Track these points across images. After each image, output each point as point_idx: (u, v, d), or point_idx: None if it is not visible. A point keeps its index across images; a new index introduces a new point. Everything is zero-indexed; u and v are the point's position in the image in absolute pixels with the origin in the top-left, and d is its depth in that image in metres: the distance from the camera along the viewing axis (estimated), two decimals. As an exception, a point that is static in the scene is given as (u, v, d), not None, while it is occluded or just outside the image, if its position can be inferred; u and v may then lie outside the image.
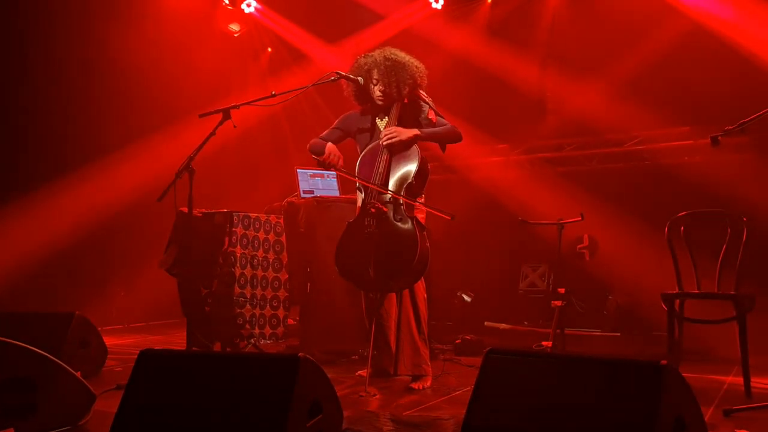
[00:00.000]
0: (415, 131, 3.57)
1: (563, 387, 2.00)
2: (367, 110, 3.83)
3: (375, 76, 3.66)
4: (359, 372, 3.84)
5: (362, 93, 3.78)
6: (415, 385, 3.56)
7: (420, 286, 3.68)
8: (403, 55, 3.69)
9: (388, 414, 2.89)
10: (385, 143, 3.53)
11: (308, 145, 3.81)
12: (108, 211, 5.75)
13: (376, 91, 3.67)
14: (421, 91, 3.71)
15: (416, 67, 3.69)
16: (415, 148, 3.54)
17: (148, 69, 6.35)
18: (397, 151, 3.56)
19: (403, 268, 3.38)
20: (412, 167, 3.51)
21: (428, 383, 3.62)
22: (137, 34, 6.28)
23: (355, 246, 3.49)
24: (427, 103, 3.71)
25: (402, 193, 3.49)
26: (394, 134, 3.53)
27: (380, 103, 3.71)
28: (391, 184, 3.53)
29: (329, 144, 3.68)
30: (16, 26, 5.51)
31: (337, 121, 3.89)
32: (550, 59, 6.65)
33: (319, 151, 3.69)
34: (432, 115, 3.71)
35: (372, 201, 3.48)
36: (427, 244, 3.47)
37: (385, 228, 3.43)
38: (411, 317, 3.67)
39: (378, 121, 3.76)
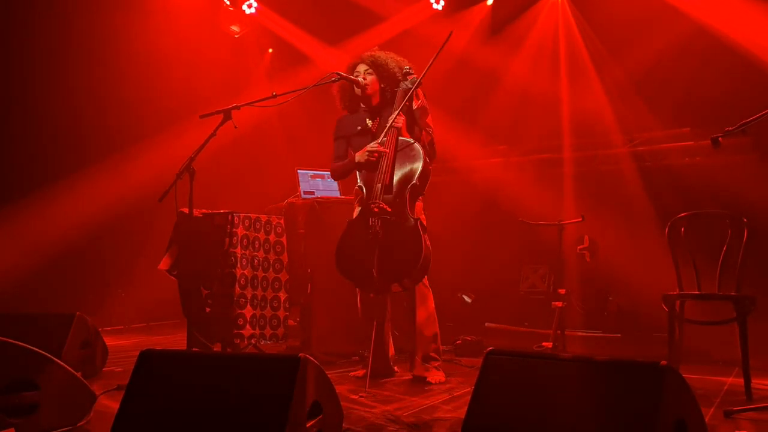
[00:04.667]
0: (408, 137, 3.62)
1: (563, 388, 2.00)
2: (357, 114, 3.86)
3: (360, 69, 3.76)
4: (353, 373, 3.85)
5: (354, 98, 3.83)
6: (431, 378, 3.61)
7: (423, 285, 3.68)
8: (381, 51, 3.84)
9: (388, 414, 2.89)
10: (395, 125, 3.54)
11: (333, 174, 3.92)
12: (108, 212, 5.75)
13: (361, 79, 3.73)
14: (421, 92, 3.71)
15: (399, 59, 3.79)
16: (418, 148, 3.53)
17: (149, 70, 6.36)
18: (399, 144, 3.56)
19: (408, 269, 3.37)
20: (416, 167, 3.50)
21: (443, 377, 3.66)
22: (137, 37, 6.29)
23: (358, 246, 3.47)
24: (425, 108, 3.73)
25: (406, 194, 3.48)
26: (400, 122, 3.56)
27: (365, 90, 3.73)
28: (395, 184, 3.51)
29: (351, 153, 3.74)
30: (15, 29, 5.52)
31: (334, 133, 3.94)
32: (551, 60, 6.66)
33: (348, 169, 3.75)
34: (430, 121, 3.73)
35: (375, 200, 3.46)
36: (429, 246, 3.46)
37: (390, 229, 3.41)
38: (422, 317, 3.67)
39: (369, 122, 3.79)
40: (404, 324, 3.83)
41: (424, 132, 3.66)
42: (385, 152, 3.54)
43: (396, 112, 3.56)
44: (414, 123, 3.68)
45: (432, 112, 3.81)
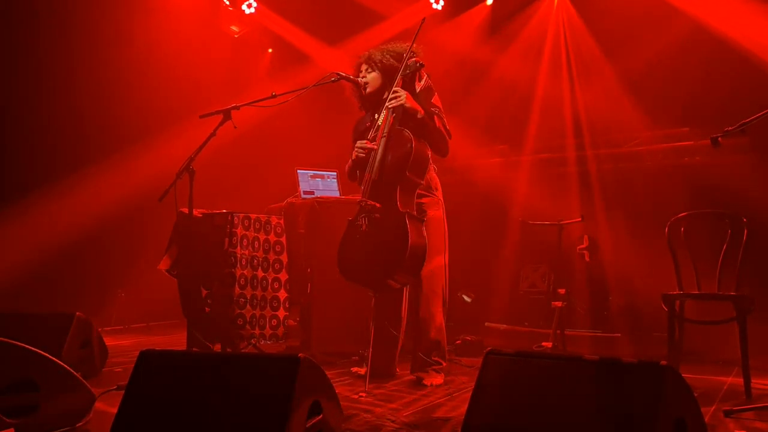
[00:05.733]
0: (419, 107, 3.54)
1: (563, 388, 2.00)
2: (367, 112, 3.86)
3: (362, 69, 3.76)
4: (355, 368, 3.85)
5: (362, 97, 3.83)
6: (426, 382, 3.58)
7: (431, 290, 3.65)
8: (384, 45, 3.79)
9: (388, 414, 2.89)
10: (390, 105, 3.48)
11: (347, 176, 3.90)
12: (108, 211, 5.75)
13: (361, 78, 3.72)
14: (424, 73, 3.66)
15: (400, 45, 3.74)
16: (408, 136, 3.46)
17: (149, 70, 6.36)
18: (400, 117, 3.51)
19: (395, 264, 3.33)
20: (405, 158, 3.43)
21: (440, 380, 3.63)
22: (138, 36, 6.29)
23: (353, 245, 3.48)
24: (430, 87, 3.70)
25: (396, 187, 3.44)
26: (401, 95, 3.48)
27: (367, 89, 3.72)
28: (385, 178, 3.47)
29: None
30: (18, 30, 5.53)
31: (352, 135, 3.93)
32: (551, 60, 6.66)
33: (350, 169, 3.78)
34: (437, 101, 3.70)
35: (364, 197, 3.46)
36: (423, 236, 3.41)
37: (376, 224, 3.40)
38: (425, 319, 3.66)
39: (377, 116, 3.78)
40: (409, 323, 3.81)
41: (435, 117, 3.61)
42: (373, 148, 3.51)
43: (391, 93, 3.51)
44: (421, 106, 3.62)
45: (440, 100, 3.78)
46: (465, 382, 3.67)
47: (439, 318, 3.68)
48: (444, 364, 3.73)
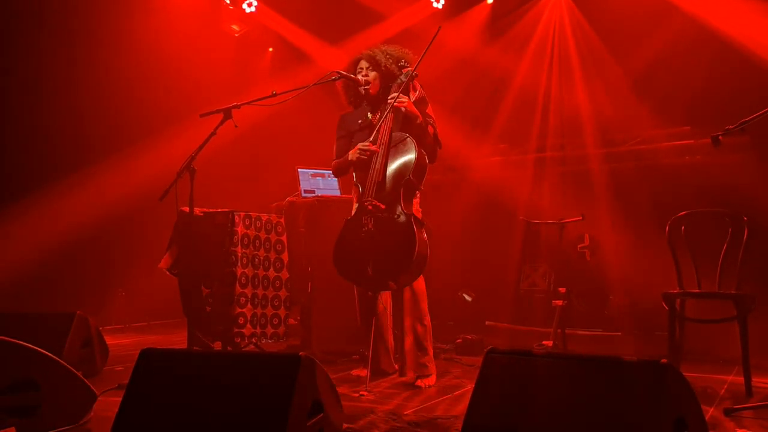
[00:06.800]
0: (418, 113, 3.58)
1: (564, 387, 2.00)
2: (359, 110, 3.86)
3: (362, 66, 3.76)
4: (355, 372, 3.86)
5: (357, 95, 3.83)
6: (420, 383, 3.57)
7: (419, 283, 3.67)
8: (384, 47, 3.81)
9: (388, 413, 2.89)
10: (393, 103, 3.50)
11: (333, 171, 3.89)
12: (109, 211, 5.75)
13: (362, 78, 3.73)
14: (418, 83, 3.70)
15: (398, 50, 3.77)
16: (411, 142, 3.50)
17: (149, 69, 6.36)
18: (401, 121, 3.54)
19: (402, 266, 3.35)
20: (410, 163, 3.47)
21: (433, 381, 3.62)
22: (138, 36, 6.29)
23: (354, 244, 3.48)
24: (424, 98, 3.73)
25: (400, 190, 3.47)
26: (404, 99, 3.52)
27: (368, 88, 3.73)
28: (389, 180, 3.50)
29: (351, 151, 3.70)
30: (19, 29, 5.53)
31: (337, 131, 3.93)
32: (551, 59, 6.66)
33: (344, 167, 3.75)
34: (431, 111, 3.73)
35: (369, 198, 3.47)
36: (426, 240, 3.44)
37: (383, 226, 3.41)
38: (414, 315, 3.67)
39: (370, 115, 3.78)
40: (399, 323, 3.82)
41: (429, 126, 3.66)
42: (377, 150, 3.52)
43: (394, 99, 3.52)
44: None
45: (433, 110, 3.80)
46: (464, 380, 3.67)
47: (427, 313, 3.71)
48: (431, 367, 3.71)
